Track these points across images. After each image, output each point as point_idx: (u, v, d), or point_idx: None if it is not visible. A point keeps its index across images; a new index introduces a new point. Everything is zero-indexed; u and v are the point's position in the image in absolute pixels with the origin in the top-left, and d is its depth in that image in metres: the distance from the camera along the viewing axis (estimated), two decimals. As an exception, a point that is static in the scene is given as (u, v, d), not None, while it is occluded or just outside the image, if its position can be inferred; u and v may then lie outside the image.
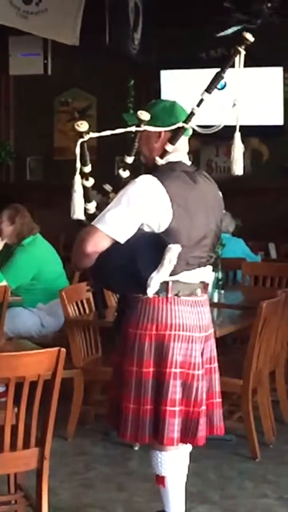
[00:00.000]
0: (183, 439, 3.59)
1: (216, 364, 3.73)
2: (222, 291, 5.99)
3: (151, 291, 3.46)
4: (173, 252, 3.39)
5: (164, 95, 10.08)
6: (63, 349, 3.49)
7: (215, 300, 5.72)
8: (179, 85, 9.94)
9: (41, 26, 8.19)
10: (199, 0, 8.87)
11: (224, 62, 3.62)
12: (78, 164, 3.54)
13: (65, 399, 4.63)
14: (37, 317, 6.23)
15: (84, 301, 5.67)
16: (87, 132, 3.49)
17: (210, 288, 3.75)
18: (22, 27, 8.16)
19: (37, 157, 11.29)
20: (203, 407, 3.60)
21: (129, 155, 3.62)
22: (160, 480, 3.72)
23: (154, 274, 3.42)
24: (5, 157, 11.20)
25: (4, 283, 5.66)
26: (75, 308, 5.58)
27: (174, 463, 3.69)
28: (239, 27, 8.16)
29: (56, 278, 6.33)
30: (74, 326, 5.46)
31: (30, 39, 9.40)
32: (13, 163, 11.36)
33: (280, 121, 9.92)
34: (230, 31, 8.25)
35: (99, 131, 3.56)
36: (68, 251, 7.65)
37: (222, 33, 8.35)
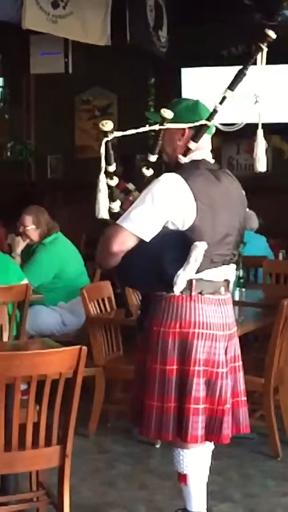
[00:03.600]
0: (208, 437, 3.59)
1: (240, 363, 3.73)
2: (244, 289, 5.98)
3: (177, 289, 3.48)
4: (199, 249, 3.40)
5: (185, 93, 10.08)
6: (85, 347, 3.49)
7: (237, 298, 5.70)
8: (200, 82, 9.93)
9: (70, 29, 8.24)
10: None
11: (246, 59, 3.60)
12: (103, 163, 3.54)
13: (87, 397, 4.65)
14: (58, 315, 6.25)
15: (105, 299, 5.68)
16: (112, 131, 3.49)
17: (231, 286, 3.74)
18: (53, 31, 8.22)
19: (58, 156, 11.31)
20: (228, 405, 3.59)
21: (153, 153, 3.61)
22: (182, 478, 3.72)
23: (180, 272, 3.43)
24: (26, 156, 11.24)
25: (25, 281, 5.68)
26: (96, 306, 5.58)
27: (196, 461, 3.69)
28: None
29: (78, 276, 6.35)
30: (95, 324, 5.46)
31: (51, 38, 9.40)
32: (34, 161, 11.39)
33: (301, 119, 9.88)
34: None
35: (120, 129, 3.55)
36: (90, 249, 7.71)
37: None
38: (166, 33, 9.39)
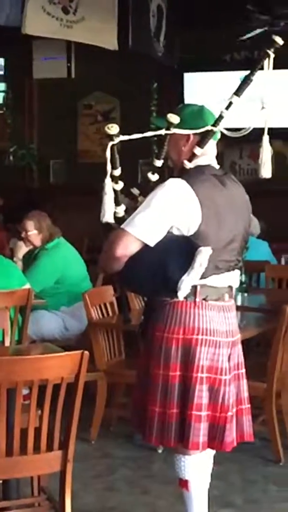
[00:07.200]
0: (210, 444, 3.58)
1: (243, 370, 3.71)
2: (246, 294, 5.98)
3: (181, 294, 3.47)
4: (203, 255, 3.39)
5: (187, 98, 10.10)
6: (86, 352, 3.49)
7: (239, 303, 5.69)
8: (202, 88, 9.95)
9: (85, 34, 8.27)
10: (222, 3, 8.86)
11: (253, 65, 3.60)
12: (109, 167, 3.54)
13: (88, 401, 4.64)
14: (60, 320, 6.25)
15: (108, 304, 5.67)
16: (117, 135, 3.49)
17: (234, 291, 3.73)
18: (69, 37, 8.26)
19: (60, 160, 11.32)
20: (230, 413, 3.58)
21: (158, 158, 3.60)
22: (183, 483, 3.71)
23: (184, 277, 3.42)
24: (28, 161, 11.24)
25: (27, 286, 5.68)
26: (98, 311, 5.58)
27: (197, 467, 3.68)
28: (262, 30, 8.13)
29: (80, 281, 6.35)
30: (97, 328, 5.46)
31: (53, 42, 9.44)
32: (37, 166, 11.40)
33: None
34: (253, 33, 8.22)
35: (123, 134, 3.55)
36: (92, 254, 7.72)
37: (245, 36, 8.33)
38: (163, 38, 9.41)
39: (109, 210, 3.55)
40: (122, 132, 3.55)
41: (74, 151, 11.22)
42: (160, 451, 5.15)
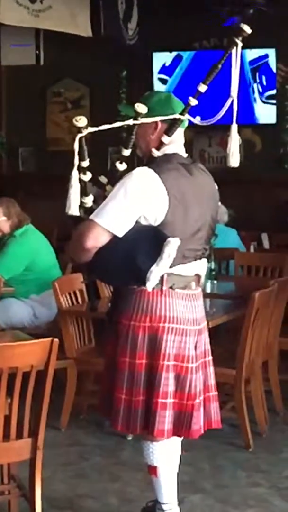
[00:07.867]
0: (177, 431, 3.59)
1: (210, 358, 3.73)
2: (215, 281, 6.00)
3: (150, 285, 3.48)
4: (172, 245, 3.40)
5: (157, 86, 10.11)
6: (56, 340, 3.49)
7: (208, 290, 5.73)
8: (172, 75, 9.96)
9: (54, 22, 8.25)
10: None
11: (222, 51, 3.59)
12: (76, 160, 3.52)
13: (58, 389, 4.64)
14: (30, 307, 6.23)
15: (77, 292, 5.67)
16: (85, 127, 3.48)
17: (203, 278, 3.75)
18: (37, 25, 8.22)
19: (29, 148, 11.26)
20: (197, 400, 3.59)
21: (126, 147, 3.59)
22: (152, 470, 3.73)
23: (153, 268, 3.43)
24: (-3, 148, 11.19)
25: (-4, 274, 5.67)
26: (68, 298, 5.58)
27: (165, 453, 3.70)
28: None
29: (49, 268, 6.33)
30: (67, 316, 5.46)
31: (22, 29, 9.36)
32: (5, 154, 11.34)
33: (272, 112, 9.94)
34: None
35: (92, 121, 3.53)
36: (62, 241, 7.70)
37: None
38: (135, 25, 9.39)
39: (74, 203, 3.53)
40: (91, 119, 3.54)
41: (44, 139, 11.16)
42: (129, 438, 5.17)
